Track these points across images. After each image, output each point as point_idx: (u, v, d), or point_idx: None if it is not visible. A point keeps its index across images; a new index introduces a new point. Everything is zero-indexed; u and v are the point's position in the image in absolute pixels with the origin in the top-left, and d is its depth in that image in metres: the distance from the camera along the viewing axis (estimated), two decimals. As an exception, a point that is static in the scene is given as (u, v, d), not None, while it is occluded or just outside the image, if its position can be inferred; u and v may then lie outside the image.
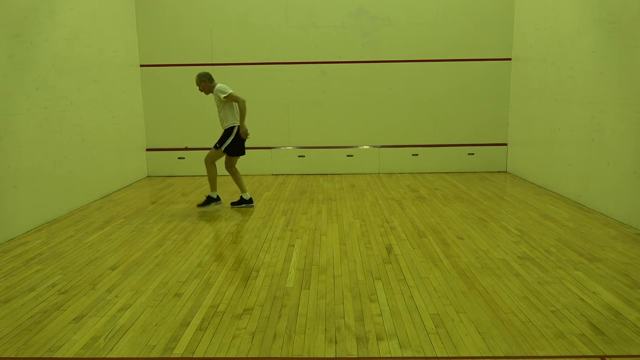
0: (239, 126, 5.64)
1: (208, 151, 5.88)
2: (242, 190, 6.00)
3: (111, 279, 3.80)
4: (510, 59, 7.95)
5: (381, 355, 2.69)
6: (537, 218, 5.33)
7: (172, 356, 2.72)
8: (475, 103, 8.12)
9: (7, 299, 3.48)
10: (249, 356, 2.71)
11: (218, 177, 5.97)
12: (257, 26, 7.99)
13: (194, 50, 8.03)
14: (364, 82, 8.15)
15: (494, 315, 3.12)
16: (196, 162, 8.27)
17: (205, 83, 5.62)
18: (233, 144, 5.69)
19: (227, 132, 5.67)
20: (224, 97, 5.51)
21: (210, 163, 5.80)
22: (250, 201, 6.01)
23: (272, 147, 8.29)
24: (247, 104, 5.59)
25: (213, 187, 5.90)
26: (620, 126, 5.12)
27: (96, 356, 2.73)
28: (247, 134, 5.68)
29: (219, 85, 5.60)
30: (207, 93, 5.71)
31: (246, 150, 8.17)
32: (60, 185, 5.70)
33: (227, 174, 6.02)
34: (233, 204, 6.06)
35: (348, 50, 8.03)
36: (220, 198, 6.04)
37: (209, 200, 5.92)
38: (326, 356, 2.69)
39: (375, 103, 8.19)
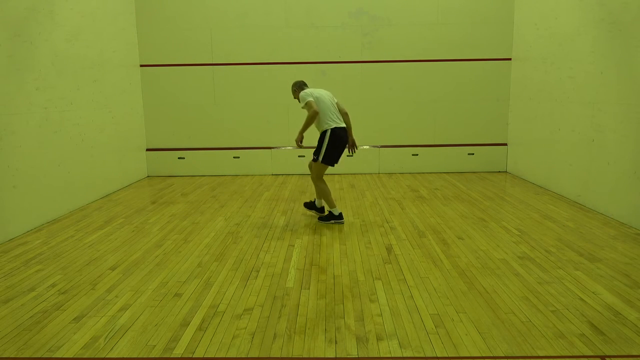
0: (332, 129, 5.06)
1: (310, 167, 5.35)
2: (324, 203, 5.40)
3: (111, 279, 3.80)
4: (510, 59, 7.95)
5: (381, 355, 2.69)
6: (537, 218, 5.33)
7: (172, 356, 2.72)
8: (475, 103, 8.12)
9: (7, 299, 3.48)
10: (249, 356, 2.71)
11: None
12: (257, 26, 7.99)
13: (194, 50, 8.04)
14: (364, 82, 8.14)
15: (494, 315, 3.12)
16: (196, 163, 8.29)
17: (296, 92, 5.26)
18: (328, 151, 5.08)
19: (320, 138, 5.13)
20: (302, 107, 5.07)
21: (317, 180, 5.24)
22: (340, 217, 5.27)
23: (272, 147, 8.30)
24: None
25: (330, 203, 5.24)
26: (620, 126, 5.12)
27: (96, 356, 2.73)
28: (298, 142, 5.10)
29: (301, 93, 5.12)
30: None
31: (246, 151, 8.29)
32: (60, 185, 5.70)
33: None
34: (320, 219, 5.37)
35: (348, 50, 8.03)
36: (343, 216, 5.34)
37: (330, 216, 5.27)
38: (326, 356, 2.69)
39: (375, 103, 8.19)
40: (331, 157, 5.12)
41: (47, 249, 4.56)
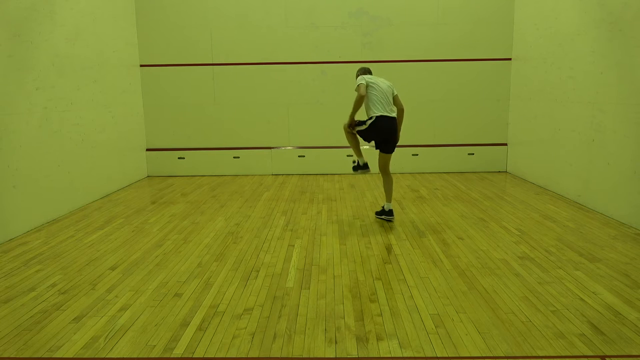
0: (377, 117, 5.00)
1: None
2: (358, 153, 5.39)
3: (111, 279, 3.80)
4: (510, 59, 7.94)
5: (381, 355, 2.69)
6: (537, 218, 5.33)
7: (172, 356, 2.72)
8: (475, 103, 8.12)
9: (7, 299, 3.48)
10: (249, 356, 2.71)
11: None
12: (257, 26, 7.99)
13: (194, 50, 8.03)
14: (364, 82, 8.14)
15: (494, 315, 3.12)
16: (196, 163, 8.29)
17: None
18: (366, 131, 5.10)
19: (365, 120, 5.14)
20: (355, 90, 5.07)
21: (346, 132, 5.26)
22: (390, 213, 5.30)
23: (272, 147, 8.30)
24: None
25: (357, 152, 5.38)
26: (620, 126, 5.12)
27: (96, 356, 2.73)
28: (351, 125, 5.13)
29: (358, 77, 5.18)
30: None
31: (246, 151, 8.29)
32: (60, 185, 5.69)
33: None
34: (377, 214, 5.46)
35: (348, 50, 8.03)
36: (369, 166, 5.47)
37: (357, 166, 5.45)
38: (326, 356, 2.69)
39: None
40: (366, 136, 5.16)
41: (47, 249, 4.56)
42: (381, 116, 5.01)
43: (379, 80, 5.14)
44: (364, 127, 5.11)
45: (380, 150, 5.26)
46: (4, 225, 4.79)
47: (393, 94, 5.19)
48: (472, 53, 8.00)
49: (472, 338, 2.85)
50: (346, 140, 5.45)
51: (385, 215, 5.34)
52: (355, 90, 5.06)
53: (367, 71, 5.34)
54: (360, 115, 5.26)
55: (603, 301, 3.30)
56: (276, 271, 3.93)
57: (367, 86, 5.03)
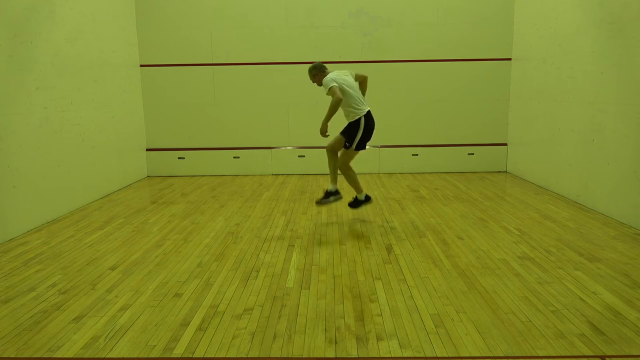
0: (365, 116, 4.96)
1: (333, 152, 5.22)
2: (358, 190, 5.31)
3: (111, 279, 3.80)
4: (510, 59, 7.94)
5: (381, 355, 2.69)
6: (537, 218, 5.33)
7: (172, 356, 2.72)
8: (475, 103, 8.12)
9: (7, 299, 3.48)
10: (249, 356, 2.71)
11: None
12: (257, 26, 7.99)
13: (194, 50, 8.04)
14: (364, 82, 8.13)
15: (494, 315, 3.12)
16: (196, 163, 8.29)
17: (318, 76, 5.06)
18: (361, 138, 5.01)
19: (354, 126, 4.99)
20: (327, 94, 4.85)
21: (346, 169, 5.17)
22: (367, 199, 5.34)
23: (272, 147, 8.30)
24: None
25: (357, 188, 5.28)
26: (620, 126, 5.12)
27: (96, 356, 2.73)
28: (324, 133, 4.94)
29: (326, 78, 4.89)
30: (319, 85, 5.09)
31: (246, 151, 8.29)
32: (60, 185, 5.69)
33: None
34: (351, 204, 5.40)
35: (348, 50, 8.03)
36: (371, 197, 5.41)
37: (356, 202, 5.34)
38: (326, 356, 2.69)
39: (375, 103, 8.12)
40: (363, 143, 5.09)
41: (47, 249, 4.56)
42: (368, 113, 5.02)
43: (342, 75, 5.01)
44: (358, 135, 4.98)
45: (364, 148, 5.20)
46: (4, 225, 4.79)
47: (354, 76, 5.14)
48: (472, 53, 8.00)
49: (472, 338, 2.85)
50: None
51: (333, 196, 5.26)
52: (328, 94, 4.86)
53: (324, 67, 5.10)
54: (339, 121, 5.11)
55: (603, 301, 3.30)
56: (276, 271, 3.93)
57: (340, 88, 4.86)
